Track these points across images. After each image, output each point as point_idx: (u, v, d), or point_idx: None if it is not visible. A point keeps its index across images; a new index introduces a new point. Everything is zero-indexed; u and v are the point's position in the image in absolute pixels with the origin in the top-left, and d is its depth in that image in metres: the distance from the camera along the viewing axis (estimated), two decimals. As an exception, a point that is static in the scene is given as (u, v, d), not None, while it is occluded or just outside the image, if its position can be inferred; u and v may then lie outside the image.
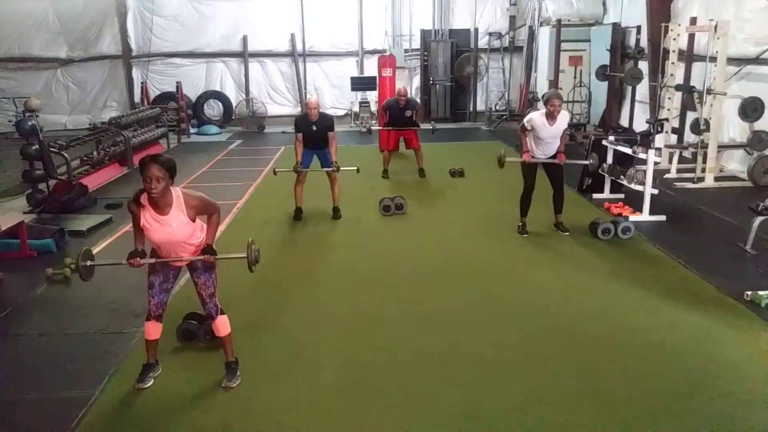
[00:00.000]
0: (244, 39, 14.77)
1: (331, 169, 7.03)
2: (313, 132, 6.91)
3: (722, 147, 8.74)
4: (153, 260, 3.63)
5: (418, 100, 14.33)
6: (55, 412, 3.55)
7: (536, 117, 6.14)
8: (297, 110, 14.72)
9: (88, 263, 3.65)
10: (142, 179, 3.35)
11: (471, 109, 15.36)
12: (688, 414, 3.40)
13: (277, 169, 7.47)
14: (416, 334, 4.38)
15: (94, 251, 6.21)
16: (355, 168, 7.39)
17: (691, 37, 9.59)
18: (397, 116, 8.97)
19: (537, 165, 6.32)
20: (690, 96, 9.04)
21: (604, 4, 13.90)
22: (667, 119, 9.39)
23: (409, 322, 4.58)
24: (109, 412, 3.53)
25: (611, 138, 7.73)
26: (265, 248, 6.27)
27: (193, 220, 3.54)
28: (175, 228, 3.47)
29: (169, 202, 3.45)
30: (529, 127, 6.17)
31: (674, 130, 9.61)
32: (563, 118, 6.11)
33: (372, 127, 9.34)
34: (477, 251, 6.12)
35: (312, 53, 15.07)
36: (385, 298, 5.02)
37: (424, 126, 9.17)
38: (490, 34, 15.11)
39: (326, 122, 6.95)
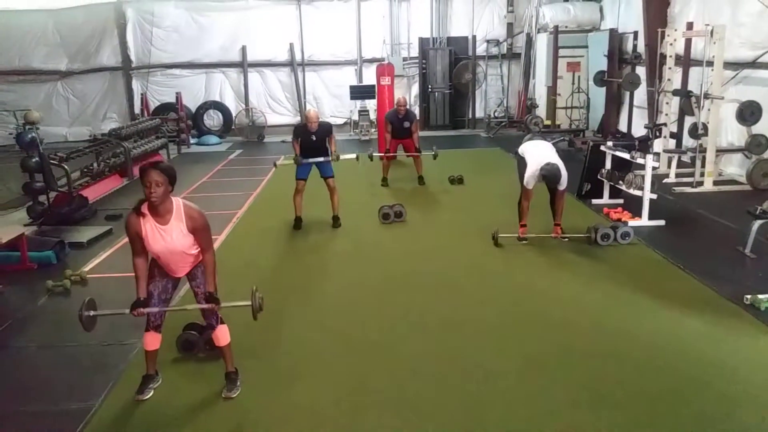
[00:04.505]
0: (243, 49, 14.85)
1: (329, 157, 7.03)
2: (313, 141, 6.95)
3: (720, 151, 8.75)
4: (156, 309, 3.63)
5: (417, 109, 14.48)
6: (55, 424, 3.55)
7: (531, 177, 6.10)
8: (296, 119, 14.78)
9: (92, 313, 3.64)
10: (143, 185, 3.36)
11: (470, 116, 15.42)
12: (689, 418, 3.39)
13: (277, 162, 7.52)
14: (416, 344, 4.37)
15: (95, 263, 6.28)
16: (355, 156, 7.40)
17: (688, 41, 9.62)
18: (397, 127, 9.00)
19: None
20: (688, 101, 9.06)
21: (601, 10, 13.95)
22: (665, 124, 9.40)
23: (409, 331, 4.58)
24: (109, 424, 3.52)
25: (610, 143, 7.75)
26: (264, 258, 6.34)
27: (193, 232, 3.55)
28: (174, 238, 3.48)
29: (168, 209, 3.46)
30: (530, 187, 6.18)
31: (672, 135, 9.62)
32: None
33: (375, 153, 9.37)
34: (476, 258, 6.12)
35: (311, 62, 15.15)
36: (384, 307, 5.01)
37: (426, 152, 9.15)
38: (488, 41, 15.17)
39: (325, 129, 7.02)
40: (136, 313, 3.55)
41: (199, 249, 3.63)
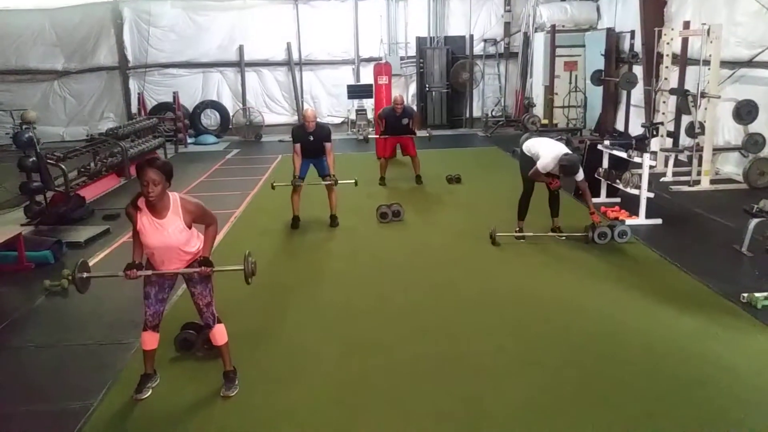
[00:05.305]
0: (241, 49, 14.83)
1: (329, 183, 7.06)
2: (310, 142, 6.93)
3: (717, 150, 8.76)
4: (150, 272, 3.63)
5: (415, 107, 14.48)
6: (53, 424, 3.55)
7: (552, 162, 6.08)
8: (294, 119, 14.79)
9: (85, 275, 3.65)
10: (140, 183, 3.37)
11: (467, 115, 15.43)
12: (686, 415, 3.40)
13: (275, 184, 7.39)
14: (414, 341, 4.38)
15: (92, 262, 6.27)
16: (353, 181, 7.39)
17: (685, 41, 9.64)
18: (394, 124, 8.97)
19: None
20: (684, 99, 9.08)
21: (598, 9, 13.98)
22: (662, 123, 9.42)
23: (407, 328, 4.59)
24: (108, 424, 3.52)
25: (607, 142, 7.76)
26: (262, 257, 6.27)
27: (190, 227, 3.56)
28: (170, 232, 3.49)
29: (166, 205, 3.48)
30: (545, 172, 6.18)
31: (669, 134, 9.64)
32: None
33: (369, 136, 9.32)
34: (474, 257, 6.13)
35: (308, 62, 15.14)
36: (382, 306, 5.02)
37: (420, 134, 9.16)
38: (485, 40, 15.19)
39: (323, 132, 6.97)
40: (129, 274, 3.55)
41: (194, 249, 3.66)
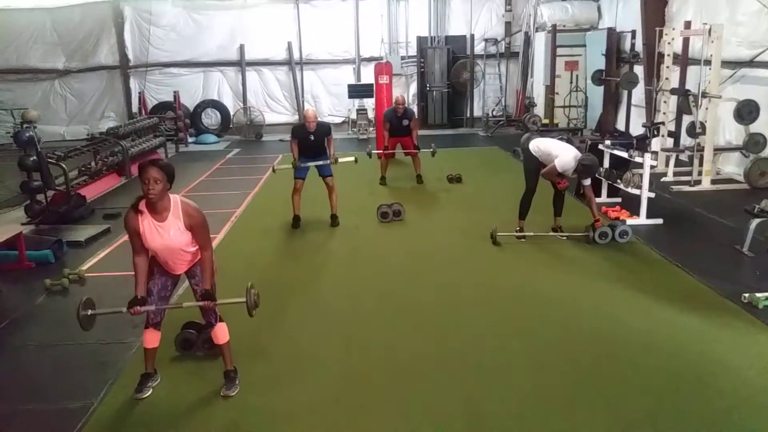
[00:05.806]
0: (241, 48, 14.83)
1: (327, 160, 7.04)
2: (311, 141, 6.95)
3: (718, 150, 8.75)
4: (153, 307, 3.63)
5: (416, 107, 14.49)
6: (54, 423, 3.54)
7: (569, 162, 6.04)
8: (295, 118, 14.80)
9: (89, 312, 3.63)
10: (141, 182, 3.37)
11: (468, 115, 15.42)
12: (687, 416, 3.40)
13: (276, 167, 7.52)
14: (415, 341, 4.38)
15: (93, 261, 6.28)
16: (353, 158, 7.42)
17: (686, 41, 9.62)
18: (396, 125, 8.98)
19: (541, 167, 6.28)
20: (685, 99, 9.08)
21: (599, 9, 13.96)
22: (663, 123, 9.42)
23: (408, 328, 4.58)
24: (108, 423, 3.52)
25: (608, 142, 7.76)
26: (262, 256, 6.34)
27: (190, 230, 3.55)
28: (172, 235, 3.49)
29: (166, 206, 3.47)
30: (561, 171, 6.15)
31: (670, 134, 9.64)
32: None
33: (373, 151, 9.40)
34: (475, 256, 6.12)
35: (309, 61, 15.13)
36: (383, 305, 5.02)
37: (424, 149, 9.14)
38: (486, 40, 15.18)
39: (323, 130, 7.01)
40: (133, 312, 3.56)
41: (197, 247, 3.63)
